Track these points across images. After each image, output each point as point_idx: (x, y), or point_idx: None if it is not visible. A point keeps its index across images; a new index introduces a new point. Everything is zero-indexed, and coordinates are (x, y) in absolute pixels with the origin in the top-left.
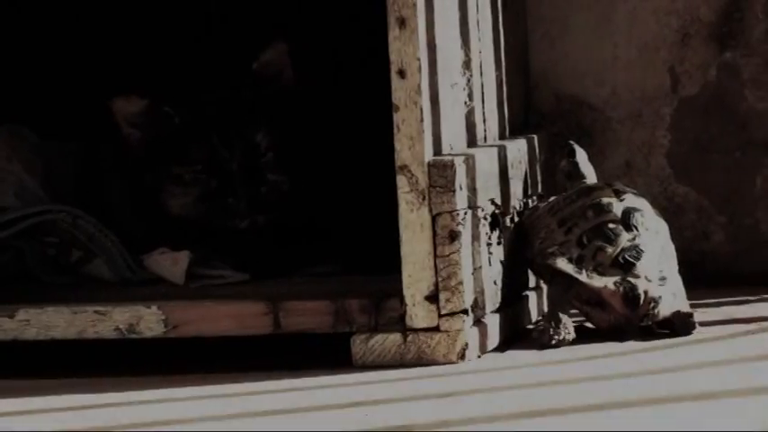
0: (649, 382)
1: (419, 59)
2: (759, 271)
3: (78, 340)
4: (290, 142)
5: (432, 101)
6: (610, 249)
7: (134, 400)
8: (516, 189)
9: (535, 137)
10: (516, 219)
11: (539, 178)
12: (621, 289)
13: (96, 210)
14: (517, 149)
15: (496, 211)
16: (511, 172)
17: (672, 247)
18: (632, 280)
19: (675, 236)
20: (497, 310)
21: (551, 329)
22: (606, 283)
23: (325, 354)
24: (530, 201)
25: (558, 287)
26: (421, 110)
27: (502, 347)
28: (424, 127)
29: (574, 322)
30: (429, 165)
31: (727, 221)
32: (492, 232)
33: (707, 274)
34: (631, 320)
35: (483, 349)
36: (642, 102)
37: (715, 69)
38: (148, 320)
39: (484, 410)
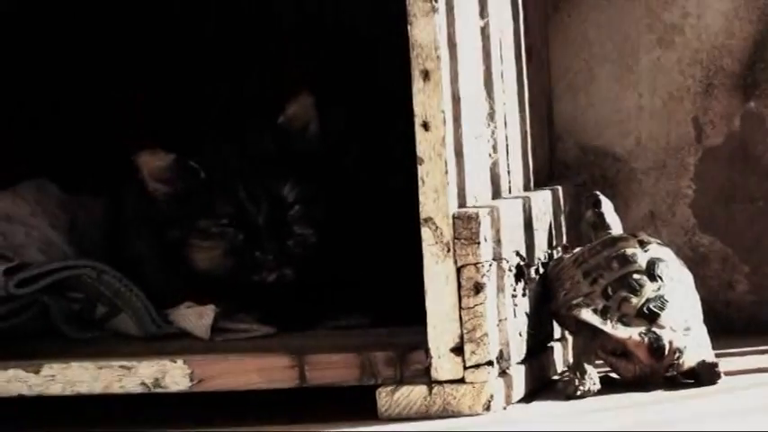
0: None
1: (443, 112)
2: None
3: (104, 395)
4: (316, 195)
5: (456, 153)
6: (635, 300)
7: None
8: (541, 240)
9: (560, 188)
10: (541, 270)
11: (563, 229)
12: (647, 340)
13: (122, 264)
14: (542, 201)
15: (521, 263)
16: (535, 223)
17: (696, 297)
18: (657, 330)
19: (700, 285)
20: (523, 362)
21: (577, 380)
22: (631, 333)
23: (352, 406)
24: (554, 252)
25: (584, 338)
26: (445, 162)
27: (527, 399)
28: (448, 179)
29: (599, 373)
30: (454, 217)
31: (752, 271)
32: (517, 284)
33: (732, 324)
34: (657, 371)
35: (509, 401)
36: (666, 152)
37: (739, 119)
38: (174, 375)
39: None
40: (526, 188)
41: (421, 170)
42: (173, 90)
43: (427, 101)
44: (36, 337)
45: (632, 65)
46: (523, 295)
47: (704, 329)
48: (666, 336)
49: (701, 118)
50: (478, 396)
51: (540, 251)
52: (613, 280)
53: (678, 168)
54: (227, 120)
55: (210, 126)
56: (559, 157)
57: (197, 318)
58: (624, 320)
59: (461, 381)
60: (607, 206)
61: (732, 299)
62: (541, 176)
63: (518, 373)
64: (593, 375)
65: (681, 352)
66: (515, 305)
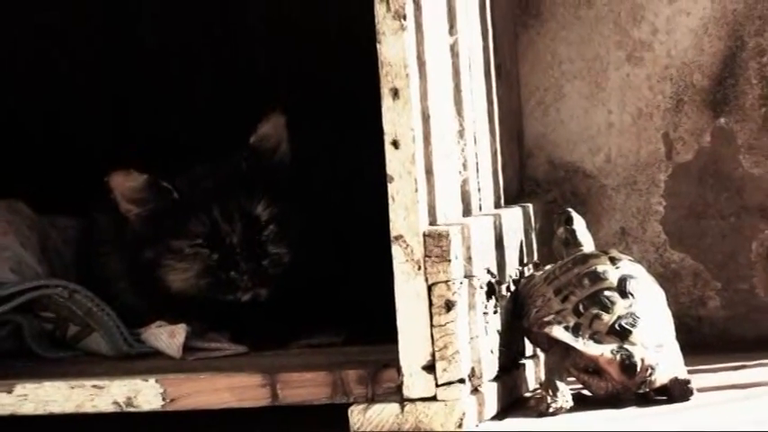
0: None
1: (413, 130)
2: (755, 336)
3: (76, 415)
4: (289, 214)
5: (426, 171)
6: (606, 317)
7: None
8: (512, 258)
9: (530, 205)
10: (512, 287)
11: (534, 246)
12: (618, 357)
13: (95, 284)
14: (512, 218)
15: (492, 280)
16: (506, 241)
17: (668, 314)
18: (629, 347)
19: (671, 302)
20: (495, 379)
21: (549, 397)
22: (603, 351)
23: (325, 424)
24: (526, 269)
25: (555, 355)
26: (415, 180)
27: (500, 416)
28: (418, 197)
29: (571, 390)
30: (424, 235)
31: (723, 287)
32: (488, 301)
33: (704, 340)
34: (629, 388)
35: (481, 418)
36: (637, 168)
37: (709, 135)
38: (146, 394)
39: None
40: (497, 205)
41: (391, 188)
42: (144, 110)
43: (397, 119)
44: (8, 356)
45: (602, 82)
46: (495, 312)
47: (677, 346)
48: (638, 353)
49: (672, 134)
50: (451, 414)
51: (512, 268)
52: (585, 297)
53: (649, 185)
54: (199, 140)
55: (183, 146)
56: (530, 173)
57: (168, 337)
58: (596, 338)
59: (433, 398)
60: (579, 223)
61: (704, 315)
62: (512, 193)
63: (490, 391)
64: (565, 392)
65: (653, 369)
66: (487, 322)
